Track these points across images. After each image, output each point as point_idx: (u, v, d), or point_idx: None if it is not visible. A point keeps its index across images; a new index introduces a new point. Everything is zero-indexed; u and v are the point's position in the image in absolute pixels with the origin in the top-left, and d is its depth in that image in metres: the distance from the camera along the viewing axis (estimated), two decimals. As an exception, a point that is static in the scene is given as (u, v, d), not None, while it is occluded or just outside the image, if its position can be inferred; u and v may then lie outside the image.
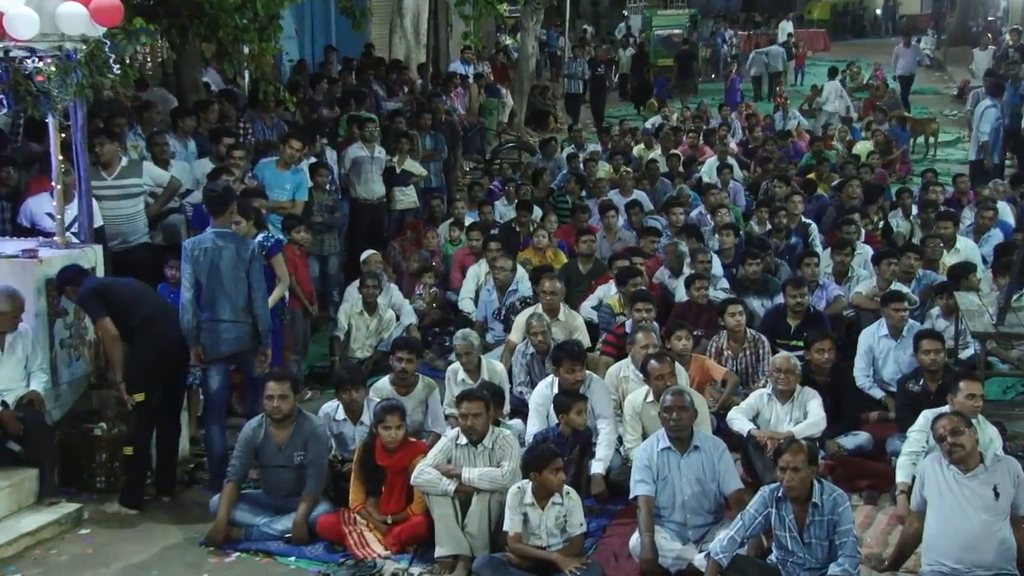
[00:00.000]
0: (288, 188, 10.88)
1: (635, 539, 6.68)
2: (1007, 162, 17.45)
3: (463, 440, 7.08)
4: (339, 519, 7.21)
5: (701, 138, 18.40)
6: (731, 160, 16.12)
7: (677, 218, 12.67)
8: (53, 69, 7.76)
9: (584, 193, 14.74)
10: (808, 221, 12.74)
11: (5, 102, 8.03)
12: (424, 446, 7.41)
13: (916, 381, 8.23)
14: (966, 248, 11.36)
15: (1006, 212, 12.87)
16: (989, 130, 16.20)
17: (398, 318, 10.68)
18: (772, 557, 6.28)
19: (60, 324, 8.13)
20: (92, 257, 8.38)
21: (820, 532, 6.12)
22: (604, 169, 15.97)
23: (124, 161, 9.95)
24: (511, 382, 9.09)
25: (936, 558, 6.21)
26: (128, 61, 8.04)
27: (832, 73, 23.82)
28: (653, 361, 7.81)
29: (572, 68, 25.88)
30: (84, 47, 7.84)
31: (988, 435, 7.03)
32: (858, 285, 10.67)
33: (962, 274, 10.07)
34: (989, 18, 37.34)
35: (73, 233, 8.62)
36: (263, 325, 8.06)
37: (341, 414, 7.91)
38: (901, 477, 7.15)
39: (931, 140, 21.23)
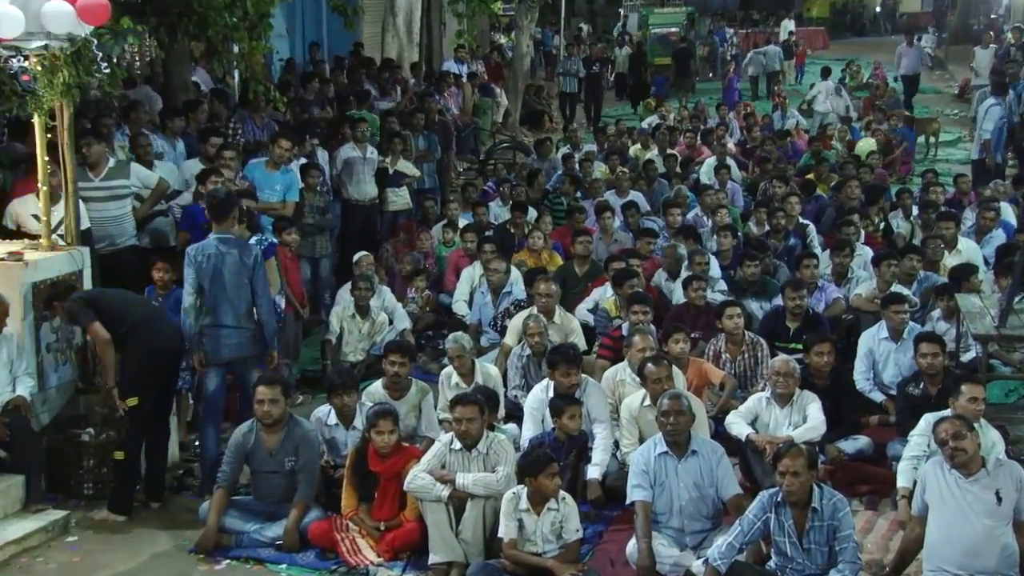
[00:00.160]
0: (278, 189, 10.88)
1: (632, 545, 6.68)
2: (1009, 162, 17.47)
3: (457, 445, 7.08)
4: (331, 526, 7.22)
5: (699, 138, 18.42)
6: (729, 160, 16.12)
7: (674, 219, 12.69)
8: (39, 68, 7.76)
9: (579, 194, 14.75)
10: (806, 222, 12.76)
11: (-10, 102, 8.04)
12: (417, 451, 7.40)
13: (916, 384, 8.24)
14: (967, 249, 11.37)
15: (1008, 213, 12.89)
16: (992, 128, 16.23)
17: (391, 322, 10.67)
18: (771, 563, 6.28)
19: (47, 328, 8.12)
20: (79, 260, 8.37)
21: (820, 538, 6.12)
22: (600, 170, 15.97)
23: (111, 162, 9.94)
24: (506, 386, 9.09)
25: (938, 564, 6.21)
26: (115, 60, 8.02)
27: (825, 73, 23.88)
28: (650, 364, 7.81)
29: (567, 67, 25.89)
30: (70, 46, 7.84)
31: (990, 439, 7.03)
32: (858, 287, 10.69)
33: (963, 276, 10.08)
34: (991, 16, 37.40)
35: (59, 235, 8.61)
36: (268, 330, 8.20)
37: (333, 419, 7.91)
38: (902, 482, 7.15)
39: (932, 140, 21.26)
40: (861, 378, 9.18)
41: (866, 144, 18.42)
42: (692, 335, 9.40)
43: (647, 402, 7.78)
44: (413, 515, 7.11)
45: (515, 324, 9.73)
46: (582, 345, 9.52)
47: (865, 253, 11.48)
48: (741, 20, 43.78)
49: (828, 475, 7.74)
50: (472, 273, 11.49)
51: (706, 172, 15.85)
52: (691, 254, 11.08)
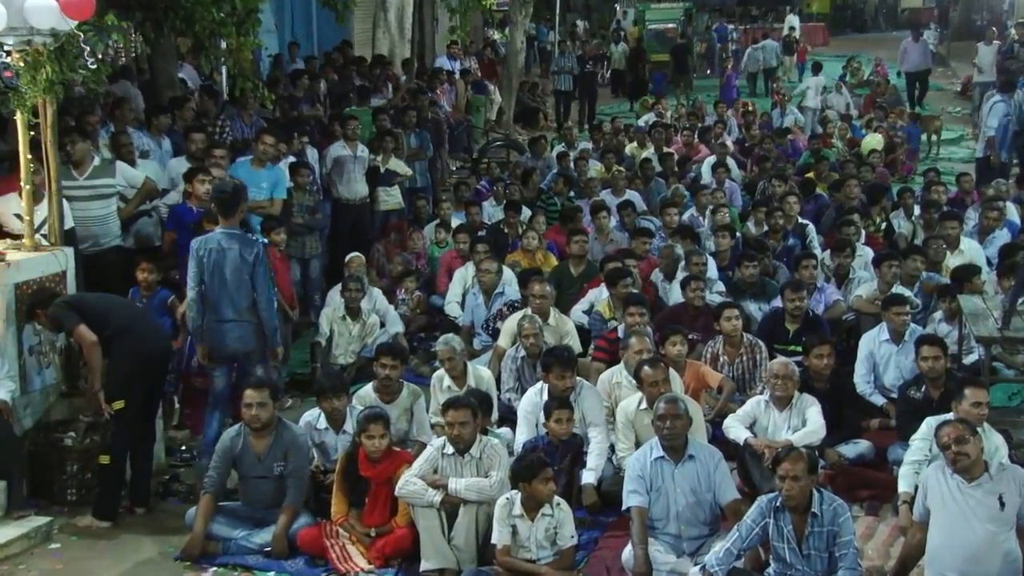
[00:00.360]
0: (265, 187, 10.85)
1: (628, 552, 6.67)
2: (1015, 161, 17.49)
3: (449, 449, 7.08)
4: (321, 532, 7.21)
5: (696, 136, 18.43)
6: (729, 160, 16.13)
7: (671, 219, 12.69)
8: (22, 64, 7.74)
9: (572, 193, 14.75)
10: (805, 222, 12.76)
11: (-29, 99, 8.02)
12: (409, 456, 7.40)
13: (918, 388, 8.25)
14: (970, 249, 11.37)
15: (1012, 212, 12.90)
16: (996, 125, 16.27)
17: (383, 324, 10.67)
18: (770, 570, 6.29)
19: (29, 330, 8.10)
20: (62, 260, 8.35)
21: (819, 543, 6.13)
22: (595, 168, 15.98)
23: (96, 160, 9.93)
24: (499, 389, 9.09)
25: (939, 570, 6.22)
26: (100, 57, 8.02)
27: (816, 68, 23.94)
28: (646, 367, 7.81)
29: (560, 64, 25.90)
30: (54, 41, 7.82)
31: (993, 443, 7.04)
32: (858, 288, 10.69)
33: (965, 277, 10.08)
34: (994, 12, 37.47)
35: (43, 235, 8.59)
36: (269, 326, 8.31)
37: (323, 423, 7.90)
38: (903, 487, 7.14)
39: (934, 138, 21.29)
40: (862, 381, 9.19)
41: (872, 140, 18.42)
42: (690, 336, 9.41)
43: (643, 405, 7.78)
44: (404, 521, 7.10)
45: (509, 326, 9.73)
46: (577, 347, 9.54)
47: (866, 254, 11.49)
48: (740, 16, 43.82)
49: (828, 480, 7.75)
50: (465, 274, 11.49)
51: (705, 171, 15.87)
52: (688, 255, 11.08)
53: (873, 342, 9.27)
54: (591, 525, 7.47)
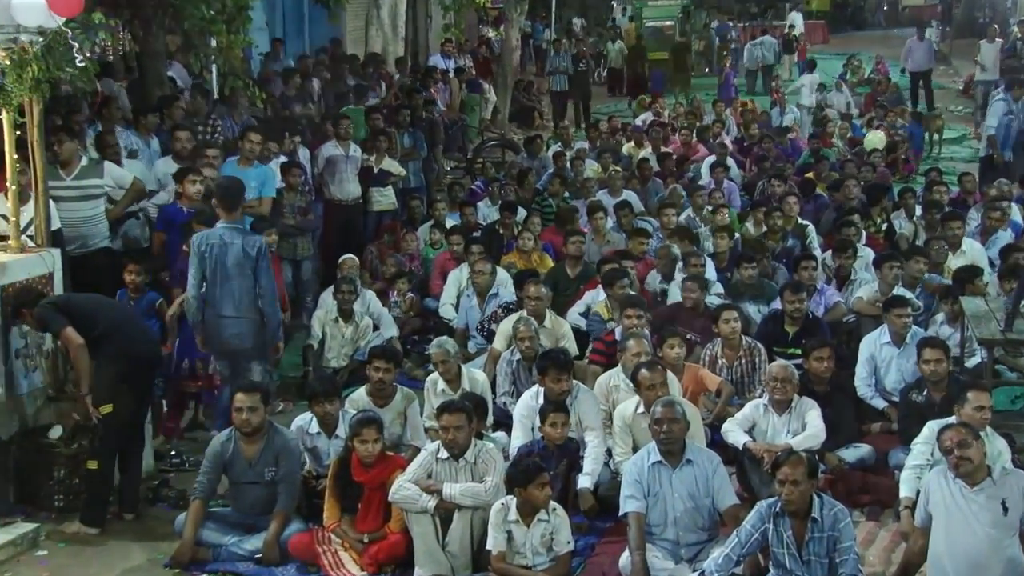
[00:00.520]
0: (253, 186, 10.77)
1: (625, 558, 6.68)
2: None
3: (444, 454, 7.08)
4: (312, 538, 7.20)
5: (694, 135, 18.44)
6: (728, 160, 16.15)
7: (669, 220, 12.70)
8: (8, 63, 7.73)
9: (567, 194, 14.75)
10: (805, 223, 12.78)
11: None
12: (403, 460, 7.40)
13: (920, 391, 8.25)
14: (972, 250, 11.38)
15: (1016, 213, 12.89)
16: (996, 124, 16.31)
17: (376, 327, 10.66)
18: (769, 576, 6.30)
19: (15, 333, 8.07)
20: (49, 262, 8.33)
21: (820, 549, 6.13)
22: (592, 168, 15.99)
23: (84, 160, 9.92)
24: (494, 392, 9.09)
25: (941, 577, 6.23)
26: (87, 55, 8.01)
27: (810, 66, 23.97)
28: (644, 370, 7.81)
29: (554, 64, 25.88)
30: (41, 39, 7.81)
31: (996, 447, 7.05)
32: (859, 290, 10.69)
33: (967, 278, 10.08)
34: (996, 9, 37.53)
35: (29, 236, 8.58)
36: (272, 321, 8.42)
37: (315, 427, 7.89)
38: (905, 492, 7.15)
39: (936, 137, 21.32)
40: (862, 384, 9.18)
41: (874, 137, 18.43)
42: (688, 336, 9.41)
43: (641, 409, 7.77)
44: (398, 527, 7.09)
45: (504, 328, 9.74)
46: (573, 350, 9.54)
47: (867, 255, 11.49)
48: (738, 13, 43.81)
49: (828, 485, 7.75)
50: (459, 276, 11.49)
51: (703, 171, 15.88)
52: (687, 256, 11.08)
53: (874, 344, 9.27)
54: (588, 531, 7.47)
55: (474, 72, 24.00)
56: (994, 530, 6.14)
